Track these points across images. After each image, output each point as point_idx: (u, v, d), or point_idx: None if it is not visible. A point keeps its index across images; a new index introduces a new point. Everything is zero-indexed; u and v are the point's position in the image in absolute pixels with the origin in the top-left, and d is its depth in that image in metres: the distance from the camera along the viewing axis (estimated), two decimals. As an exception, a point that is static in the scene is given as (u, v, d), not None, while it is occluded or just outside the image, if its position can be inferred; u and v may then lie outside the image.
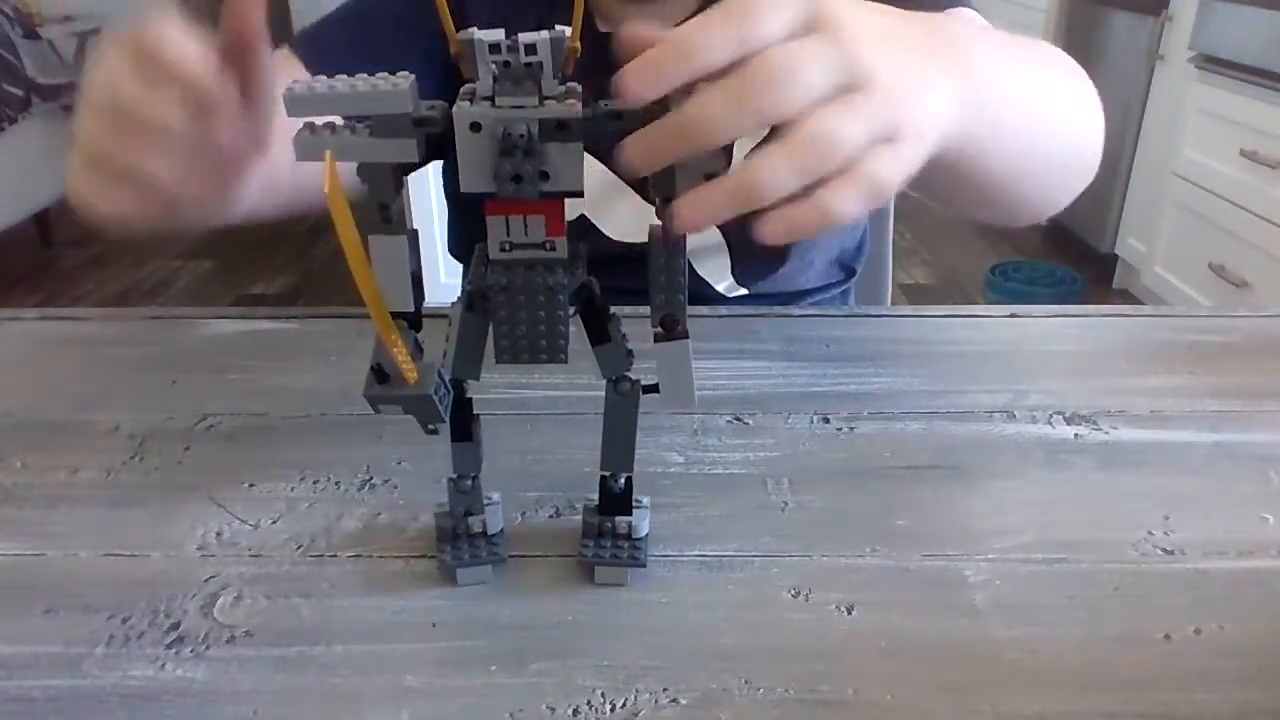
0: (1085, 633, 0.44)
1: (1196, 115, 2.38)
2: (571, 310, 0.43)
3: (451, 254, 0.92)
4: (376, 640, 0.44)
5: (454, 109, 0.38)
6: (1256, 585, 0.47)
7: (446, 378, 0.42)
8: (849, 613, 0.45)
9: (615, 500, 0.47)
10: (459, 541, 0.47)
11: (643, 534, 0.47)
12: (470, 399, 0.46)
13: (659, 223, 0.41)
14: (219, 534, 0.50)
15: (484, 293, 0.42)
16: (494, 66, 0.38)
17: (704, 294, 0.81)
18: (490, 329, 0.43)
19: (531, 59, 0.37)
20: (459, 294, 0.44)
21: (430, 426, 0.43)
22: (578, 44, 0.38)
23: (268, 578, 0.47)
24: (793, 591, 0.46)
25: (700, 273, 0.81)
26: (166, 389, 0.64)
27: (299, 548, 0.49)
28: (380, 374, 0.40)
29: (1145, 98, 2.65)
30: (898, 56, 0.39)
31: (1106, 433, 0.59)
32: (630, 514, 0.47)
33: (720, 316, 0.74)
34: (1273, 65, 2.10)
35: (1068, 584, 0.47)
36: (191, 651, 0.43)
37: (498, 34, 0.38)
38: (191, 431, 0.60)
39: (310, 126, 0.39)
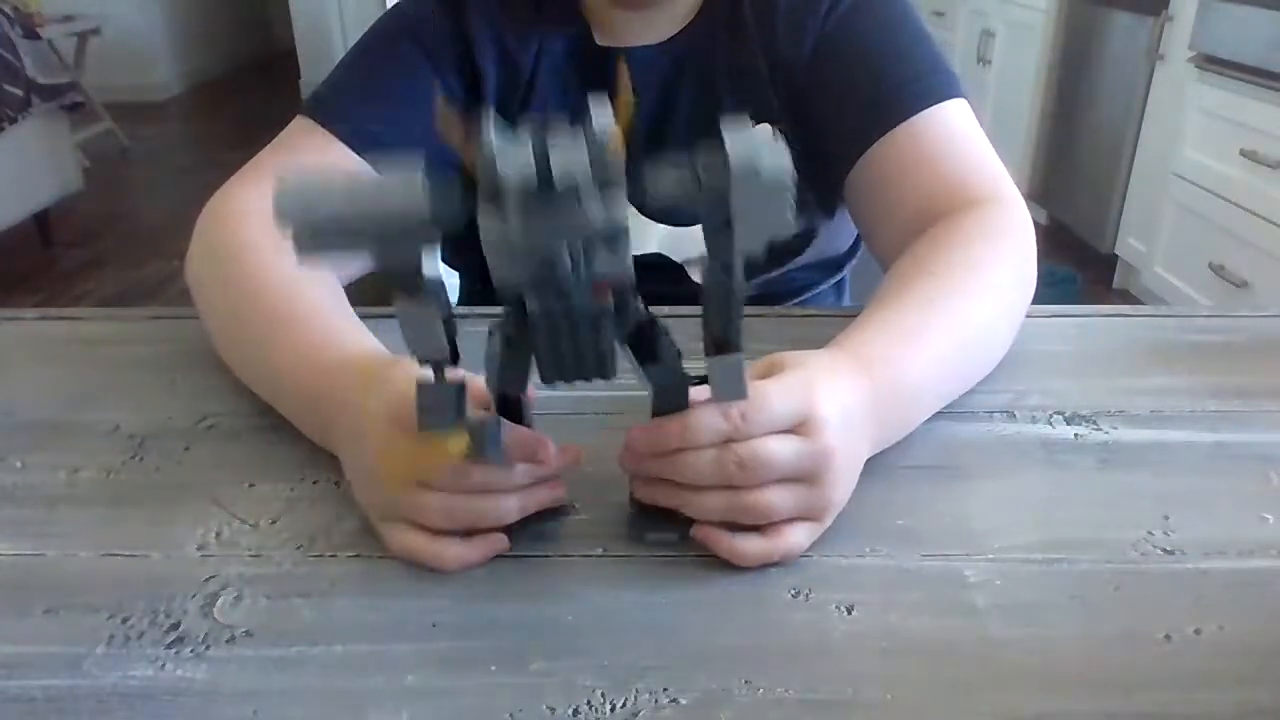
0: (1085, 633, 0.44)
1: (1196, 115, 2.38)
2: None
3: (443, 260, 0.92)
4: (376, 640, 0.44)
5: (480, 228, 0.34)
6: (1256, 585, 0.47)
7: (493, 399, 0.43)
8: (849, 613, 0.45)
9: None
10: None
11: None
12: (518, 398, 0.46)
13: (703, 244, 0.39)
14: (219, 534, 0.50)
15: (520, 325, 0.40)
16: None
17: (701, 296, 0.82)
18: (534, 354, 0.41)
19: (569, 184, 0.32)
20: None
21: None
22: (619, 146, 0.33)
23: (268, 578, 0.47)
24: (793, 591, 0.46)
25: (694, 277, 0.81)
26: (166, 389, 0.64)
27: (299, 548, 0.49)
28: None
29: (1145, 98, 2.64)
30: (848, 450, 0.48)
31: (1106, 433, 0.59)
32: None
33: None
34: (1273, 65, 2.10)
35: (1068, 584, 0.47)
36: (191, 651, 0.43)
37: (525, 161, 0.32)
38: (191, 431, 0.60)
39: (311, 228, 0.35)
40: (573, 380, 0.42)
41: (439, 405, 0.41)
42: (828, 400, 0.47)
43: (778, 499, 0.46)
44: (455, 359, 0.41)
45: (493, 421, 0.43)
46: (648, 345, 0.42)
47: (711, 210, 0.35)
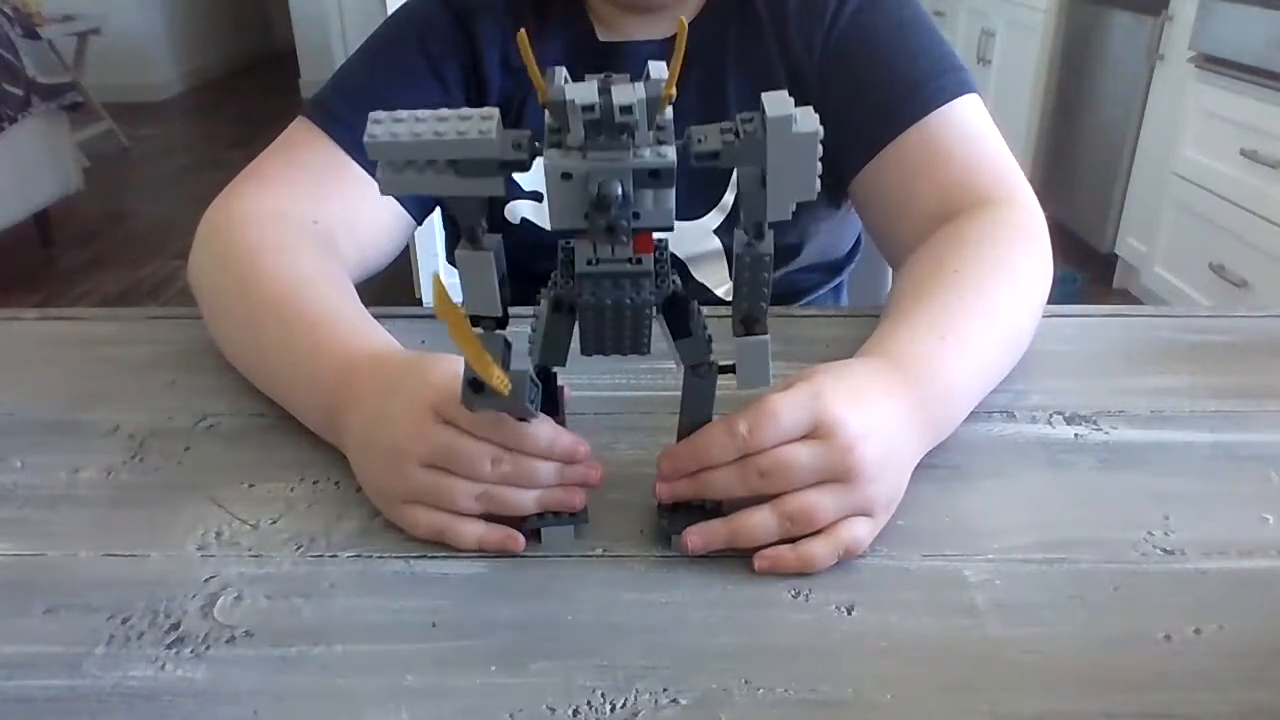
0: (1085, 633, 0.44)
1: (1196, 115, 2.38)
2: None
3: (449, 262, 0.92)
4: (376, 640, 0.44)
5: (544, 159, 0.38)
6: (1256, 585, 0.47)
7: (534, 369, 0.45)
8: (849, 613, 0.45)
9: None
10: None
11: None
12: (555, 374, 0.48)
13: (741, 232, 0.43)
14: (219, 534, 0.50)
15: (570, 301, 0.43)
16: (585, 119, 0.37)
17: (703, 297, 0.82)
18: (576, 327, 0.45)
19: (626, 119, 0.37)
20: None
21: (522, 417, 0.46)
22: (673, 90, 0.37)
23: (268, 578, 0.47)
24: (793, 591, 0.46)
25: (697, 277, 0.81)
26: (166, 389, 0.64)
27: (299, 548, 0.49)
28: (476, 385, 0.43)
29: (1145, 98, 2.64)
30: (879, 446, 0.48)
31: (1106, 433, 0.59)
32: None
33: (721, 317, 0.74)
34: (1273, 65, 2.10)
35: (1068, 584, 0.47)
36: (191, 651, 0.43)
37: (590, 94, 0.37)
38: (191, 431, 0.60)
39: (393, 163, 0.39)
40: (610, 353, 0.45)
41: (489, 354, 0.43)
42: (842, 403, 0.47)
43: (820, 499, 0.46)
44: (504, 323, 0.45)
45: (529, 375, 0.45)
46: (680, 316, 0.45)
47: (749, 159, 0.39)
